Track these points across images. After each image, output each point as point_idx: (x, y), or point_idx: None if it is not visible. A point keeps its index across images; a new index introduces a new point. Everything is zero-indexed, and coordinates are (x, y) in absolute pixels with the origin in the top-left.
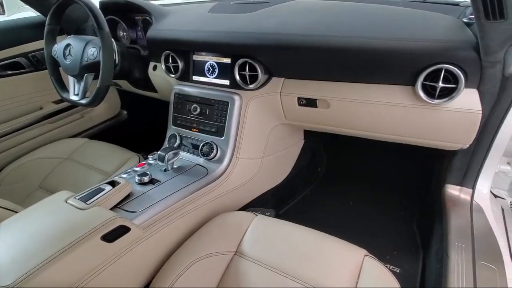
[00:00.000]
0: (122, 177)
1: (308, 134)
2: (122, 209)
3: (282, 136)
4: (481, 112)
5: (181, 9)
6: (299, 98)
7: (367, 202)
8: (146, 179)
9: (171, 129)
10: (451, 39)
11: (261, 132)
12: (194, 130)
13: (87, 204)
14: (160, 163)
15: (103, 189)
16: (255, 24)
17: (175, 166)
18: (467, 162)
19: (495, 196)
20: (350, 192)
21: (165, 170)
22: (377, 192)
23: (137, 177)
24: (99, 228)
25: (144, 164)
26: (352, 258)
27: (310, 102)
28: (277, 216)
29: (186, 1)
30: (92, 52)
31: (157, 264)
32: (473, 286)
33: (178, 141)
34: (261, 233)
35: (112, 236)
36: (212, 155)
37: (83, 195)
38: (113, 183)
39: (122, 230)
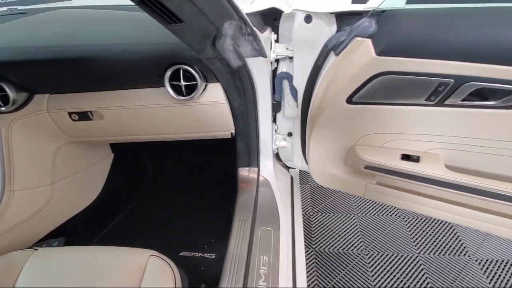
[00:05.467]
0: None
1: (122, 146)
2: None
3: (77, 155)
4: (226, 102)
5: None
6: (70, 113)
7: (192, 200)
8: None
9: None
10: (178, 42)
11: (41, 156)
12: None
13: None
14: None
15: None
16: None
17: None
18: (247, 146)
19: (288, 168)
20: (176, 194)
21: None
22: (201, 188)
23: None
24: None
25: None
26: (135, 263)
27: (83, 116)
28: (71, 242)
29: None
30: None
31: None
32: (248, 247)
33: None
34: (39, 270)
35: None
36: None
37: None
38: None
39: None
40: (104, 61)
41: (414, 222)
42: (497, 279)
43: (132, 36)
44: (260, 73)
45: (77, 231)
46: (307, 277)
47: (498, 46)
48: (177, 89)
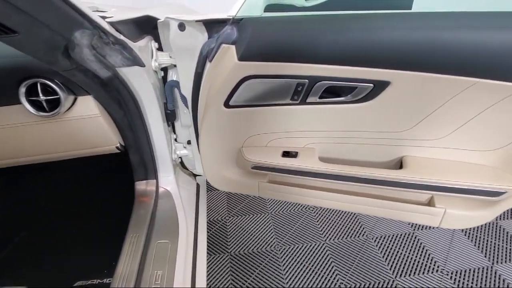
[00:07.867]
0: None
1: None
2: None
3: None
4: (99, 116)
5: None
6: None
7: (91, 222)
8: None
9: None
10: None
11: None
12: None
13: None
14: None
15: None
16: None
17: None
18: (142, 159)
19: (195, 175)
20: (73, 218)
21: None
22: (101, 208)
23: None
24: None
25: None
26: None
27: None
28: None
29: None
30: None
31: None
32: (139, 264)
33: None
34: None
35: None
36: None
37: None
38: None
39: None
40: None
41: (321, 212)
42: (388, 252)
43: None
44: (140, 82)
45: None
46: (222, 281)
47: (337, 49)
48: (38, 105)
